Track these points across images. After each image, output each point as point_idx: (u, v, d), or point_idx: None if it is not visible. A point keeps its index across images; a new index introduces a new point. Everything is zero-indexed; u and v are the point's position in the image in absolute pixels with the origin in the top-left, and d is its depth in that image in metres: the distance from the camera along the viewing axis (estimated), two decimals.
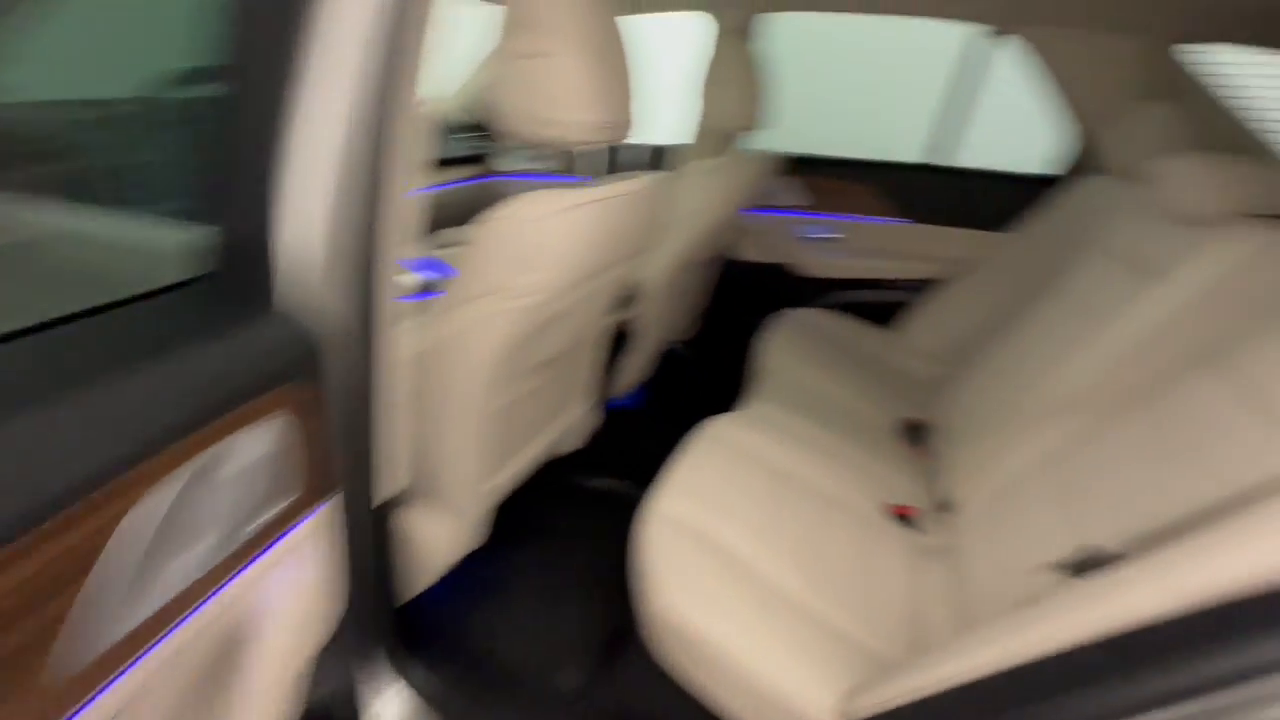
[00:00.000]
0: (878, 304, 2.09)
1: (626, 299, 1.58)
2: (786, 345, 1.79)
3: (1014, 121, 1.92)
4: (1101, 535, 0.80)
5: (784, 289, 2.20)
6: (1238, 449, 0.73)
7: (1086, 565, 0.70)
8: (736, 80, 1.59)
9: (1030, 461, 1.05)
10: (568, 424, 1.38)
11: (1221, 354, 0.84)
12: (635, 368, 1.77)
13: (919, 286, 2.03)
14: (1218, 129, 1.51)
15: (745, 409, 1.44)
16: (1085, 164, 1.82)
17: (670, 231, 1.61)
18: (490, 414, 0.99)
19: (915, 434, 1.55)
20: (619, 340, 1.67)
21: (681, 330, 2.10)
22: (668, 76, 1.86)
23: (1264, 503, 0.56)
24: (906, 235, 2.05)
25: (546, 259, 0.83)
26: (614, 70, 0.87)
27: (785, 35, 2.10)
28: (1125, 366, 0.96)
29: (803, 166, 2.10)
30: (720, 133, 1.78)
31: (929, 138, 2.01)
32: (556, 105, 0.81)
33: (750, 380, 1.77)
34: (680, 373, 2.23)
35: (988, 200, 1.94)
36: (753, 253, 2.22)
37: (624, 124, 0.91)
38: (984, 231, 1.92)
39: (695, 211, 1.61)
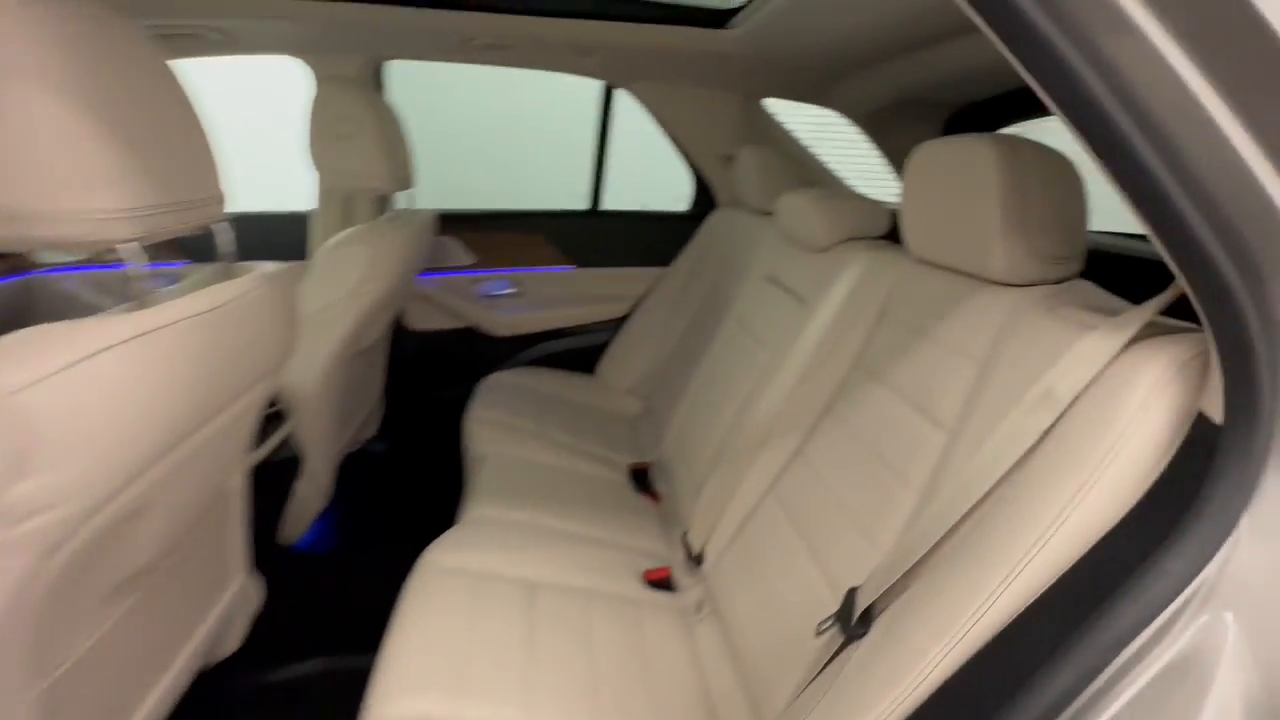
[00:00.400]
0: (575, 351, 2.06)
1: (273, 418, 1.20)
2: (495, 417, 1.61)
3: (661, 164, 2.09)
4: (845, 567, 0.81)
5: (477, 353, 2.02)
6: (910, 447, 0.80)
7: (852, 627, 0.68)
8: (363, 135, 1.34)
9: (756, 496, 1.07)
10: (212, 624, 0.96)
11: (875, 362, 0.94)
12: (310, 498, 1.37)
13: (612, 328, 2.06)
14: (802, 166, 1.84)
15: (467, 517, 1.21)
16: (707, 199, 2.07)
17: (325, 317, 1.29)
18: (33, 703, 0.57)
19: (643, 479, 1.52)
20: (277, 472, 1.26)
21: (364, 427, 1.74)
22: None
23: (997, 525, 0.58)
24: (582, 280, 2.06)
25: (61, 449, 0.49)
26: (147, 130, 0.57)
27: (440, 88, 1.92)
28: (811, 386, 1.04)
29: (463, 223, 1.95)
30: (352, 194, 1.52)
31: (590, 184, 2.05)
32: (23, 189, 0.49)
33: (464, 464, 1.53)
34: (374, 477, 1.85)
35: (650, 238, 2.07)
36: (435, 320, 1.98)
37: (192, 204, 0.62)
38: (653, 268, 2.04)
39: (355, 289, 1.32)
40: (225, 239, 0.74)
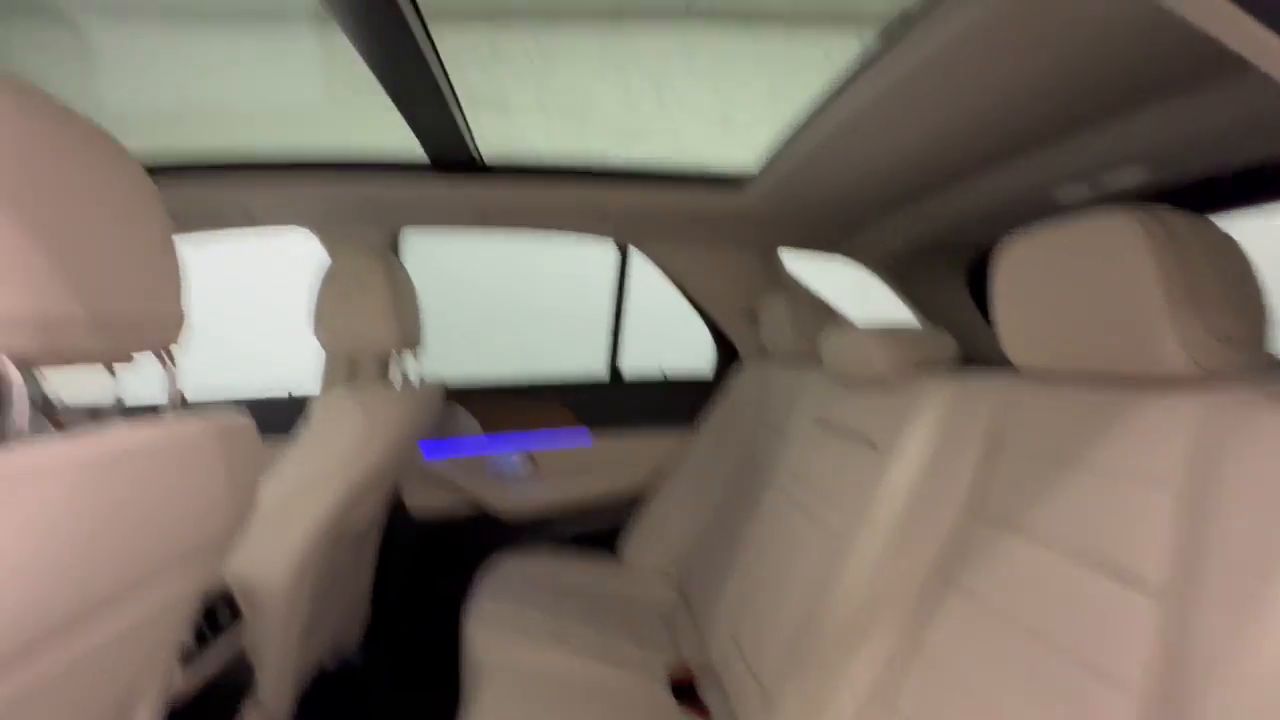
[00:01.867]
0: (595, 531, 1.80)
1: (215, 618, 0.95)
2: (500, 611, 1.32)
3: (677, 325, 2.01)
4: None
5: (483, 534, 1.77)
6: (1097, 623, 0.56)
7: None
8: (371, 293, 1.27)
9: (860, 709, 0.77)
10: None
11: (1000, 509, 0.73)
12: None
13: (634, 501, 1.82)
14: (827, 311, 1.76)
15: None
16: (729, 356, 1.96)
17: (306, 492, 1.10)
18: None
19: (689, 692, 1.18)
20: (211, 696, 0.97)
21: (341, 636, 1.44)
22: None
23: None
24: (600, 450, 1.87)
25: None
26: (84, 237, 0.45)
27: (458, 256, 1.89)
28: (909, 549, 0.80)
29: (474, 396, 1.83)
30: (356, 359, 1.42)
31: (608, 351, 1.96)
32: None
33: (467, 676, 1.21)
34: (350, 699, 1.49)
35: (674, 403, 1.92)
36: (436, 499, 1.76)
37: (128, 325, 0.48)
38: (677, 431, 1.87)
39: (347, 455, 1.14)
40: (172, 374, 0.59)
